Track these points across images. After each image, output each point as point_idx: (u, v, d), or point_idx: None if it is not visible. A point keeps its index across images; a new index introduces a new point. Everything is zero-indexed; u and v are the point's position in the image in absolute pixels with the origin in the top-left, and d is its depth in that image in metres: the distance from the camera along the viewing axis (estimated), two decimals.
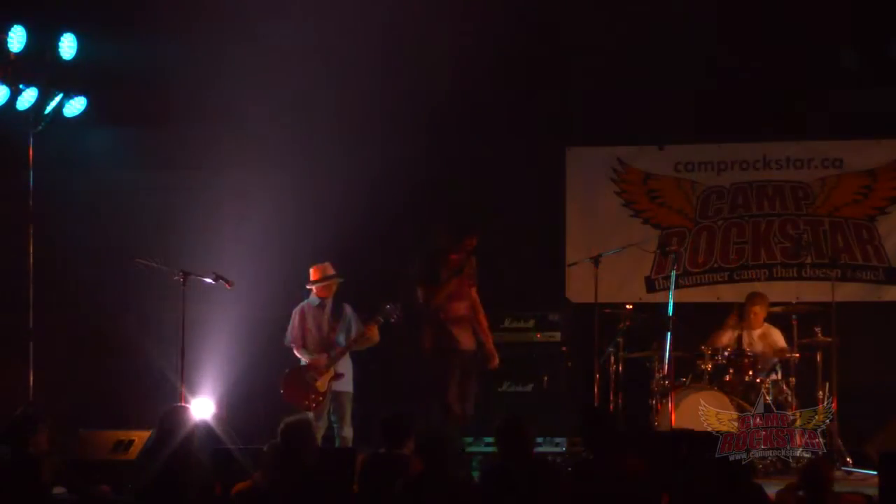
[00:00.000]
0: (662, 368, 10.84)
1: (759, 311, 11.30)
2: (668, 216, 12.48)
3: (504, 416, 7.91)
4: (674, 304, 10.50)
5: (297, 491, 7.50)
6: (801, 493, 7.22)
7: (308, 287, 10.78)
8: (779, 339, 11.21)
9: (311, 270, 10.78)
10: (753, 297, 11.39)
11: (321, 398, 10.44)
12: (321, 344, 10.62)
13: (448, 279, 9.99)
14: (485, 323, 10.30)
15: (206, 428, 10.90)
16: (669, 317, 10.42)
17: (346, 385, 10.62)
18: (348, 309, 10.73)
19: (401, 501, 7.31)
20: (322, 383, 10.50)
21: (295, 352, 10.72)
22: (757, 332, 11.28)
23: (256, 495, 7.59)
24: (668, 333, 10.46)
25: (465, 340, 10.12)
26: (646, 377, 11.09)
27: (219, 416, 11.62)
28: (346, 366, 10.64)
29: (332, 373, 10.54)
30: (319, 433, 10.32)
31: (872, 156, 12.20)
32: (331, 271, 10.74)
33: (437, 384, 10.00)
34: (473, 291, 10.22)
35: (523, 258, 11.77)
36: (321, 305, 10.72)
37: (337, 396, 10.57)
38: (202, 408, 11.51)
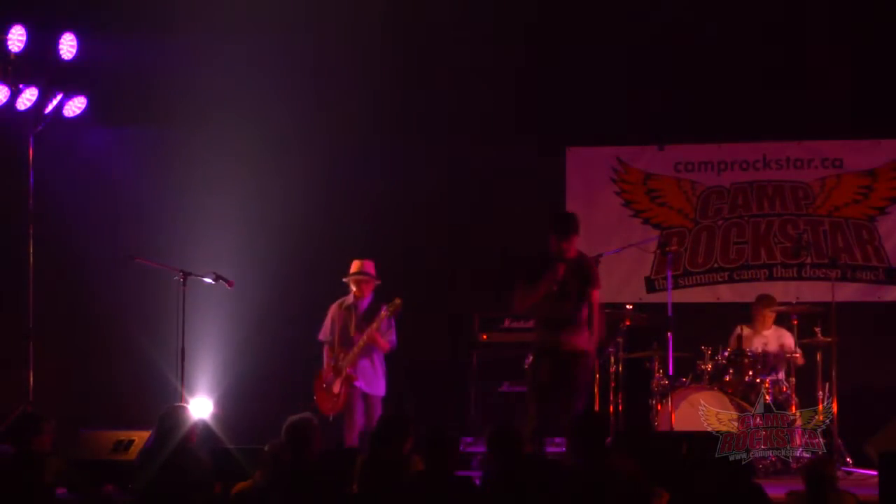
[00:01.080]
0: (663, 368, 10.86)
1: (770, 315, 11.29)
2: (668, 216, 12.48)
3: (494, 425, 7.90)
4: (674, 304, 10.48)
5: (297, 491, 7.50)
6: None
7: (343, 280, 10.70)
8: (788, 339, 11.20)
9: (352, 263, 10.69)
10: (764, 300, 11.35)
11: (337, 400, 10.40)
12: (344, 344, 10.53)
13: (529, 282, 9.50)
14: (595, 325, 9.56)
15: (205, 427, 10.91)
16: (669, 317, 10.40)
17: (374, 387, 10.50)
18: (385, 311, 10.49)
19: (401, 501, 7.31)
20: (336, 385, 10.45)
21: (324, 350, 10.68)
22: (769, 334, 11.26)
23: (256, 495, 7.59)
24: (669, 334, 10.45)
25: (552, 340, 9.50)
26: (646, 377, 11.08)
27: (218, 416, 11.64)
28: (373, 368, 10.52)
29: (344, 374, 10.48)
30: (353, 432, 10.38)
31: (872, 156, 12.19)
32: (369, 269, 10.59)
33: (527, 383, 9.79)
34: (594, 293, 9.53)
35: (523, 258, 11.72)
36: (353, 306, 10.57)
37: (366, 399, 10.49)
38: (201, 407, 11.52)
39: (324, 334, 10.65)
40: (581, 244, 12.02)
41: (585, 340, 9.47)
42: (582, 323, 9.47)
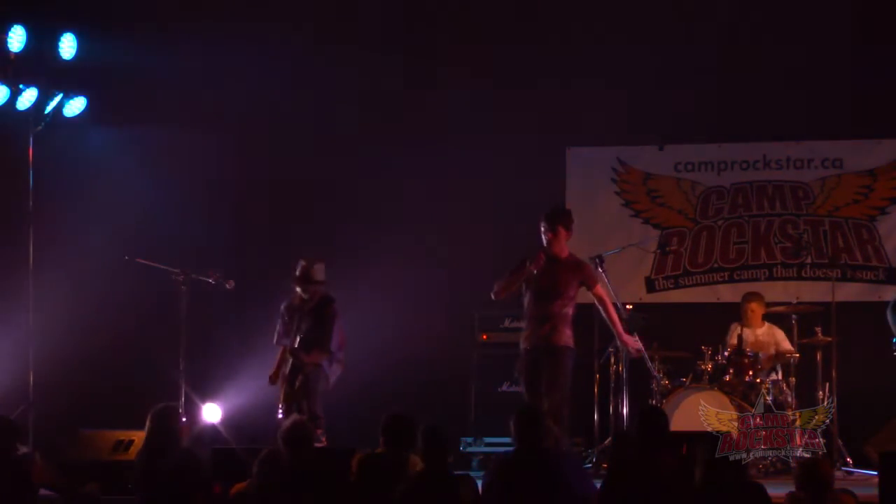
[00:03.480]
0: (662, 368, 10.91)
1: (757, 309, 11.30)
2: (668, 216, 12.48)
3: (521, 405, 8.13)
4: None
5: (297, 492, 7.50)
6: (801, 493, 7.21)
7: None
8: (782, 339, 11.20)
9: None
10: (749, 296, 11.39)
11: (282, 405, 10.19)
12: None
13: (510, 276, 9.66)
14: (614, 316, 9.77)
15: (204, 427, 10.91)
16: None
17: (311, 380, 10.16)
18: (335, 311, 10.29)
19: (401, 501, 7.31)
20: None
21: None
22: (760, 331, 11.27)
23: (255, 496, 7.59)
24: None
25: (532, 336, 9.64)
26: (646, 377, 11.08)
27: (218, 416, 11.63)
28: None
29: (277, 372, 10.28)
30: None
31: (872, 156, 12.20)
32: (314, 274, 10.24)
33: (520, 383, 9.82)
34: (597, 288, 9.70)
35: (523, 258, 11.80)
36: (297, 307, 10.35)
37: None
38: (201, 407, 11.51)
39: (276, 338, 10.39)
40: (581, 244, 12.10)
41: (567, 337, 9.57)
42: (565, 319, 9.56)
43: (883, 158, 12.18)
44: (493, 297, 9.76)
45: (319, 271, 10.33)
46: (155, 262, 10.77)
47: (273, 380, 10.34)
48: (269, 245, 12.15)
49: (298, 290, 10.35)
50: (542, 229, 9.65)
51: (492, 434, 11.27)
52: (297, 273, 10.34)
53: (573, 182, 12.57)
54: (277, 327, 10.45)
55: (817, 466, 7.28)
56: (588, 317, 10.84)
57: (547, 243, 9.65)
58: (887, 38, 11.89)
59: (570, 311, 9.65)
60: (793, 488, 7.41)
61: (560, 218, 9.72)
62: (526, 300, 9.73)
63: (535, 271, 9.56)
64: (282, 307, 10.45)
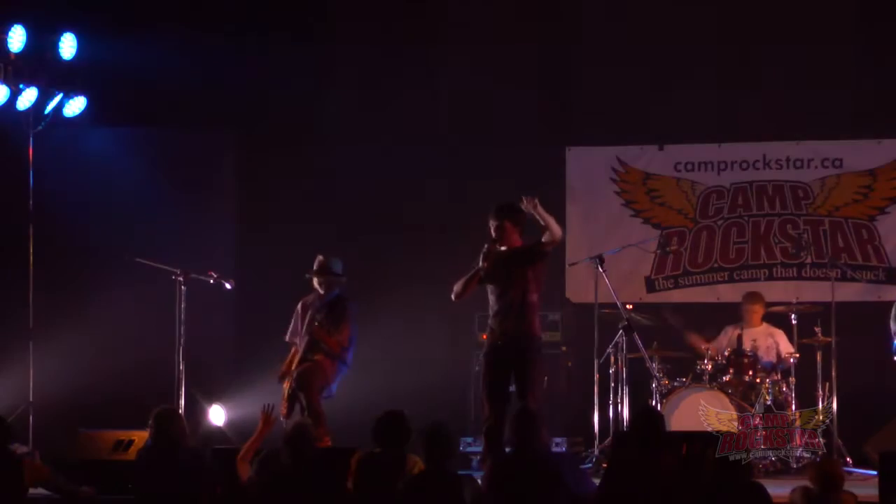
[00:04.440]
0: (662, 368, 10.90)
1: (758, 310, 11.30)
2: (668, 216, 12.48)
3: (519, 406, 8.13)
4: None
5: (296, 491, 7.50)
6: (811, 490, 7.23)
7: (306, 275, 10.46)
8: (782, 340, 11.18)
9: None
10: (750, 296, 11.40)
11: (284, 402, 10.16)
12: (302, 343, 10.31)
13: (467, 276, 9.53)
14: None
15: (206, 427, 10.90)
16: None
17: (306, 388, 10.05)
18: (349, 308, 10.25)
19: (403, 501, 7.31)
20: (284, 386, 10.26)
21: None
22: (758, 331, 11.26)
23: (255, 495, 7.59)
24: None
25: (497, 331, 9.45)
26: (646, 377, 11.08)
27: (218, 416, 11.65)
28: (313, 368, 10.12)
29: (284, 375, 10.24)
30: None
31: (872, 156, 12.20)
32: (331, 266, 10.24)
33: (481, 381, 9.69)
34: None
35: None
36: (312, 303, 10.33)
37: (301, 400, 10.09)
38: (201, 408, 11.52)
39: (289, 335, 10.37)
40: (581, 244, 12.14)
41: (536, 327, 9.40)
42: (532, 308, 9.36)
43: (883, 158, 12.18)
44: (453, 298, 9.58)
45: (336, 265, 10.32)
46: (155, 261, 10.76)
47: (281, 377, 10.28)
48: (270, 245, 12.14)
49: (315, 282, 10.29)
50: (490, 226, 9.46)
51: None
52: (315, 266, 10.31)
53: (573, 182, 12.57)
54: (291, 324, 10.42)
55: (833, 467, 7.33)
56: (588, 317, 10.87)
57: (496, 239, 9.46)
58: (888, 38, 11.89)
59: (535, 297, 9.39)
60: (792, 488, 7.42)
61: (506, 213, 9.47)
62: (489, 297, 9.54)
63: (485, 265, 9.38)
64: (298, 305, 10.44)
